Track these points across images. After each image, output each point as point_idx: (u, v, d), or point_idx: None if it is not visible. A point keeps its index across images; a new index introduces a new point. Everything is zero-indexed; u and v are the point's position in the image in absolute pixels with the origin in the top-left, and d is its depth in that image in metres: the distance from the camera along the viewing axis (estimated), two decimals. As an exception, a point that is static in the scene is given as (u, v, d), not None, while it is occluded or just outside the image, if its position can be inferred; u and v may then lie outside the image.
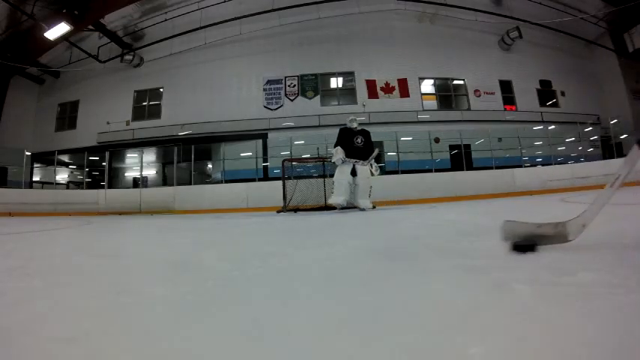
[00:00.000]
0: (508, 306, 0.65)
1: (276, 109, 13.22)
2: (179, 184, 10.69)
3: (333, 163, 5.88)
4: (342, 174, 5.66)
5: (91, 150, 12.84)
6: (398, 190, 9.12)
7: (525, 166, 11.12)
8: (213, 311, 0.71)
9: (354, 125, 5.90)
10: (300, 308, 0.71)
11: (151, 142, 13.22)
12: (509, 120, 13.21)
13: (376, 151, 5.97)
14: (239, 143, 12.38)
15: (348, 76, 13.56)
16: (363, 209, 5.57)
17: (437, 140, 11.99)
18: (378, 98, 13.17)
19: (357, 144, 5.74)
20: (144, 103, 14.03)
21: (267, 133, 12.87)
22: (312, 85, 13.41)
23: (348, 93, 13.45)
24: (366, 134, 5.95)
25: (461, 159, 11.13)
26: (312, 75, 13.46)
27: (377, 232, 2.43)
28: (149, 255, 1.73)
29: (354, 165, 5.68)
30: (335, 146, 5.82)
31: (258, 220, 4.36)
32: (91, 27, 12.59)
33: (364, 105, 13.07)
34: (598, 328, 0.53)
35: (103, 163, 12.12)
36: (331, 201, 5.71)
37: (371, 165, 5.80)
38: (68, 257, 1.67)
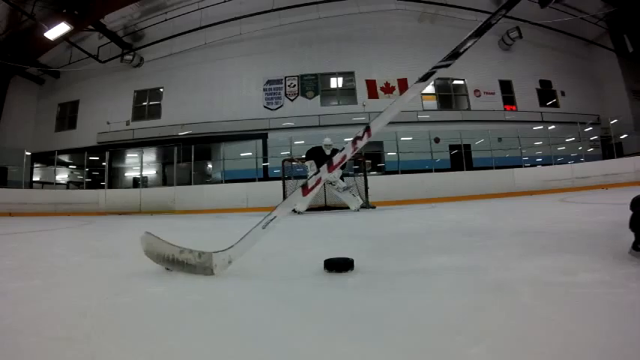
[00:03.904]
0: (508, 306, 0.65)
1: (276, 109, 13.22)
2: (179, 184, 10.69)
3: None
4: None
5: (91, 150, 12.83)
6: (398, 190, 9.12)
7: (525, 166, 11.10)
8: (213, 311, 0.71)
9: (328, 152, 6.08)
10: (299, 308, 0.71)
11: (151, 142, 13.21)
12: (509, 120, 13.20)
13: (344, 185, 6.19)
14: (239, 143, 12.37)
15: (348, 76, 13.55)
16: (354, 210, 5.96)
17: (437, 140, 11.98)
18: (378, 98, 13.16)
19: None
20: (144, 103, 14.02)
21: (267, 133, 12.86)
22: (312, 85, 13.40)
23: (348, 93, 13.44)
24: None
25: (461, 159, 11.13)
26: (312, 75, 13.45)
27: (377, 232, 2.43)
28: (149, 255, 1.72)
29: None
30: (307, 159, 6.10)
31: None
32: (91, 27, 12.57)
33: (364, 105, 13.06)
34: (598, 328, 0.53)
35: (103, 163, 12.12)
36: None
37: (333, 182, 6.02)
38: (68, 257, 1.67)
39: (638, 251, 0.93)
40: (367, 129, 0.97)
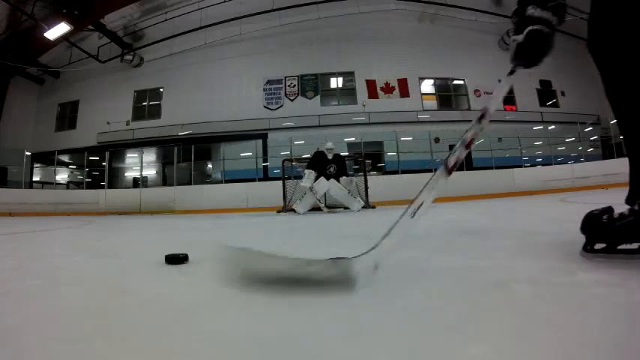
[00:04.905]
0: (508, 306, 0.65)
1: (276, 109, 13.22)
2: (179, 184, 10.70)
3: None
4: (314, 193, 5.96)
5: (91, 150, 12.84)
6: (398, 191, 9.09)
7: (525, 166, 11.11)
8: (212, 312, 0.71)
9: (330, 156, 6.06)
10: (299, 309, 0.71)
11: (151, 142, 13.23)
12: (509, 120, 13.21)
13: (353, 181, 6.22)
14: (239, 143, 12.39)
15: (348, 76, 13.56)
16: (356, 211, 5.86)
17: (437, 140, 11.98)
18: (378, 98, 13.17)
19: (330, 173, 5.98)
20: (144, 103, 14.03)
21: (267, 133, 12.87)
22: (312, 85, 13.41)
23: (348, 93, 13.45)
24: (339, 162, 6.13)
25: (461, 159, 11.13)
26: (312, 75, 13.46)
27: (377, 232, 2.42)
28: (149, 255, 1.73)
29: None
30: (308, 167, 6.03)
31: (258, 221, 4.37)
32: (91, 27, 12.59)
33: (364, 105, 13.07)
34: (598, 328, 0.53)
35: (103, 163, 12.13)
36: (294, 207, 6.05)
37: (344, 184, 6.00)
38: (68, 257, 1.67)
39: (588, 252, 0.95)
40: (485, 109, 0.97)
